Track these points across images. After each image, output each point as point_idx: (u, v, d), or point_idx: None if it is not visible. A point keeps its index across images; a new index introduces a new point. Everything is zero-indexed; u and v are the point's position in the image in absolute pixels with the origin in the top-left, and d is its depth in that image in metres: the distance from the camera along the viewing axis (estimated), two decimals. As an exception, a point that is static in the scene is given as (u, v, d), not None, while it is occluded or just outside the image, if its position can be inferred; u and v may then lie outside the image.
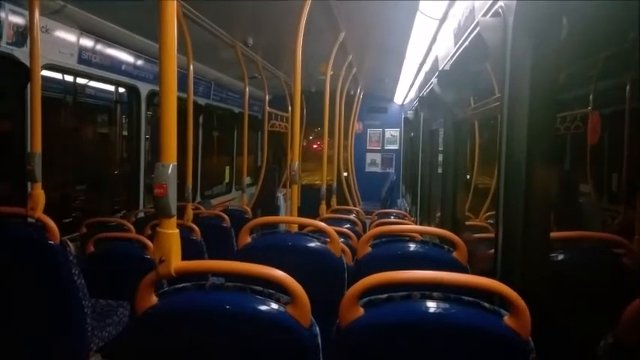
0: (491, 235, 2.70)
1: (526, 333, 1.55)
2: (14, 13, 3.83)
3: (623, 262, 2.55)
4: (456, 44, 3.54)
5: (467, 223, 4.89)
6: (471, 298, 1.63)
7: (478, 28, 2.55)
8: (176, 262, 1.88)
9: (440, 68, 4.43)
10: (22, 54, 3.93)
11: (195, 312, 1.75)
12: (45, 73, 4.34)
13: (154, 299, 1.77)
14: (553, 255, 2.73)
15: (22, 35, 3.91)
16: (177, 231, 1.93)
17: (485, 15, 2.58)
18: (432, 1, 3.93)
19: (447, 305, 1.62)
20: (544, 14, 2.14)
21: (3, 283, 2.90)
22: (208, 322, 1.73)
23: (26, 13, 3.65)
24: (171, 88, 1.91)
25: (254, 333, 1.71)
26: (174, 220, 1.93)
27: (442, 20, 4.15)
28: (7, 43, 3.85)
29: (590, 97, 2.88)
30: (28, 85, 3.38)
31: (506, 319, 1.57)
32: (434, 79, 4.65)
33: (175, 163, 1.92)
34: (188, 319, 1.75)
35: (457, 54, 3.51)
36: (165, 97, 1.91)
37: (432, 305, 1.63)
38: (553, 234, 2.82)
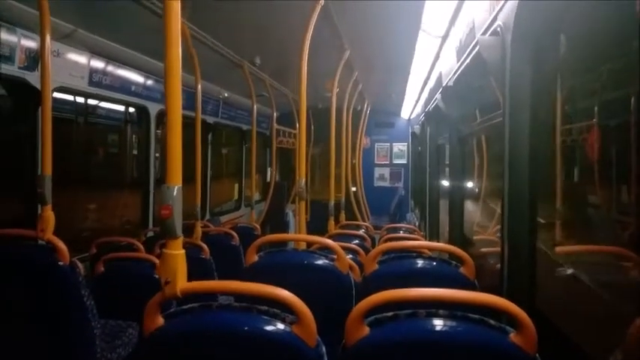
0: (499, 249, 2.70)
1: (533, 350, 1.54)
2: (26, 37, 3.90)
3: (631, 277, 2.53)
4: (458, 61, 3.57)
5: (476, 237, 4.88)
6: (476, 316, 1.63)
7: (478, 47, 2.58)
8: (182, 282, 1.90)
9: (444, 84, 4.46)
10: (33, 78, 4.00)
11: (202, 333, 1.76)
12: (56, 95, 4.41)
13: (161, 320, 1.78)
14: (560, 270, 2.72)
15: (34, 59, 3.98)
16: (183, 252, 1.95)
17: (484, 33, 2.61)
18: (434, 20, 3.98)
19: (452, 323, 1.62)
20: (542, 32, 2.16)
21: (13, 304, 2.93)
22: (214, 343, 1.74)
23: (37, 37, 3.72)
24: (177, 111, 1.94)
25: (260, 353, 1.72)
26: (180, 241, 1.96)
27: (444, 38, 4.19)
28: (19, 68, 3.92)
29: (595, 109, 2.89)
30: (39, 109, 3.43)
31: (513, 336, 1.56)
32: (438, 95, 4.68)
33: (180, 185, 1.95)
34: (194, 340, 1.76)
35: (459, 70, 3.54)
36: (171, 119, 1.94)
37: (437, 323, 1.63)
38: (560, 248, 2.82)
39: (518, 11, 2.14)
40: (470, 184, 5.20)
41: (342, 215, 7.37)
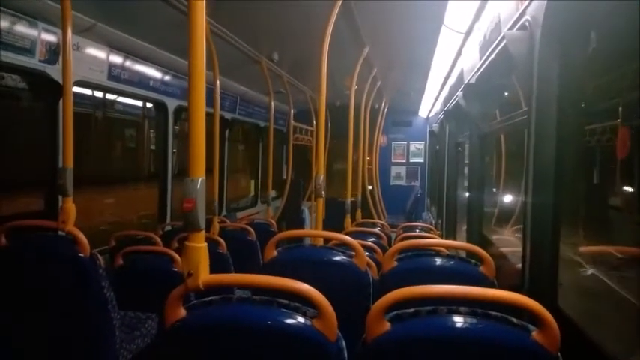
0: (518, 248, 2.67)
1: (555, 348, 1.52)
2: (47, 31, 3.94)
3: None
4: (481, 57, 3.53)
5: (494, 236, 4.84)
6: (498, 313, 1.61)
7: (504, 42, 2.55)
8: (204, 275, 1.90)
9: (465, 81, 4.42)
10: (54, 71, 4.03)
11: (223, 325, 1.76)
12: (75, 89, 4.44)
13: (183, 312, 1.79)
14: (582, 269, 2.69)
15: (55, 53, 4.02)
16: (205, 244, 1.95)
17: (511, 28, 2.57)
18: (457, 15, 3.93)
19: (473, 320, 1.60)
20: (571, 27, 2.13)
21: (34, 295, 2.96)
22: (236, 335, 1.74)
23: (58, 31, 3.74)
24: (200, 105, 1.94)
25: (281, 346, 1.71)
26: (202, 234, 1.96)
27: (467, 34, 4.15)
28: (40, 61, 3.95)
29: (620, 109, 2.85)
30: (60, 101, 3.46)
31: (535, 334, 1.54)
32: (459, 93, 4.64)
33: (204, 178, 1.95)
34: (216, 332, 1.76)
35: (483, 67, 3.50)
36: (194, 114, 1.94)
37: (458, 320, 1.61)
38: (582, 248, 2.78)
39: (548, 5, 2.11)
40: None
41: (359, 213, 7.36)
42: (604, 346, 2.02)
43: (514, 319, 1.59)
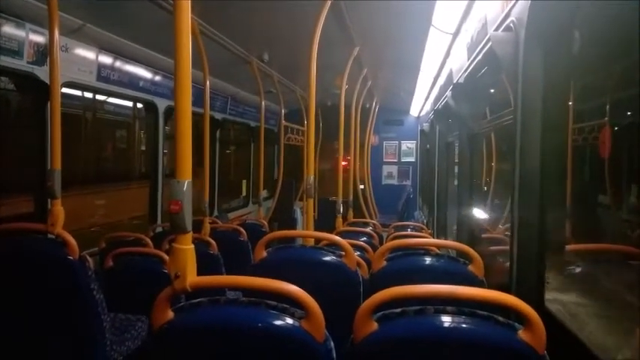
0: (507, 247, 2.68)
1: (541, 347, 1.53)
2: (34, 32, 3.92)
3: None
4: (469, 58, 3.55)
5: (484, 235, 4.86)
6: (485, 312, 1.62)
7: (490, 43, 2.57)
8: (191, 277, 1.90)
9: (454, 81, 4.44)
10: (42, 72, 4.01)
11: (211, 327, 1.76)
12: (64, 90, 4.42)
13: (170, 314, 1.78)
14: (570, 268, 2.70)
15: (42, 54, 4.00)
16: (192, 246, 1.95)
17: (497, 29, 2.59)
18: (445, 16, 3.95)
19: (460, 319, 1.61)
20: (555, 28, 2.14)
21: (23, 298, 2.95)
22: (223, 337, 1.74)
23: (46, 32, 3.73)
24: (187, 106, 1.94)
25: (269, 348, 1.72)
26: (189, 236, 1.96)
27: (455, 34, 4.17)
28: (28, 62, 3.93)
29: (607, 107, 2.87)
30: (48, 103, 3.44)
31: (521, 333, 1.55)
32: (448, 93, 4.66)
33: (190, 180, 1.95)
34: (203, 334, 1.76)
35: (471, 67, 3.52)
36: (180, 115, 1.94)
37: (445, 320, 1.62)
38: (570, 246, 2.80)
39: (532, 6, 2.13)
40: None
41: (350, 213, 7.37)
42: (591, 346, 2.04)
43: (501, 319, 1.60)
